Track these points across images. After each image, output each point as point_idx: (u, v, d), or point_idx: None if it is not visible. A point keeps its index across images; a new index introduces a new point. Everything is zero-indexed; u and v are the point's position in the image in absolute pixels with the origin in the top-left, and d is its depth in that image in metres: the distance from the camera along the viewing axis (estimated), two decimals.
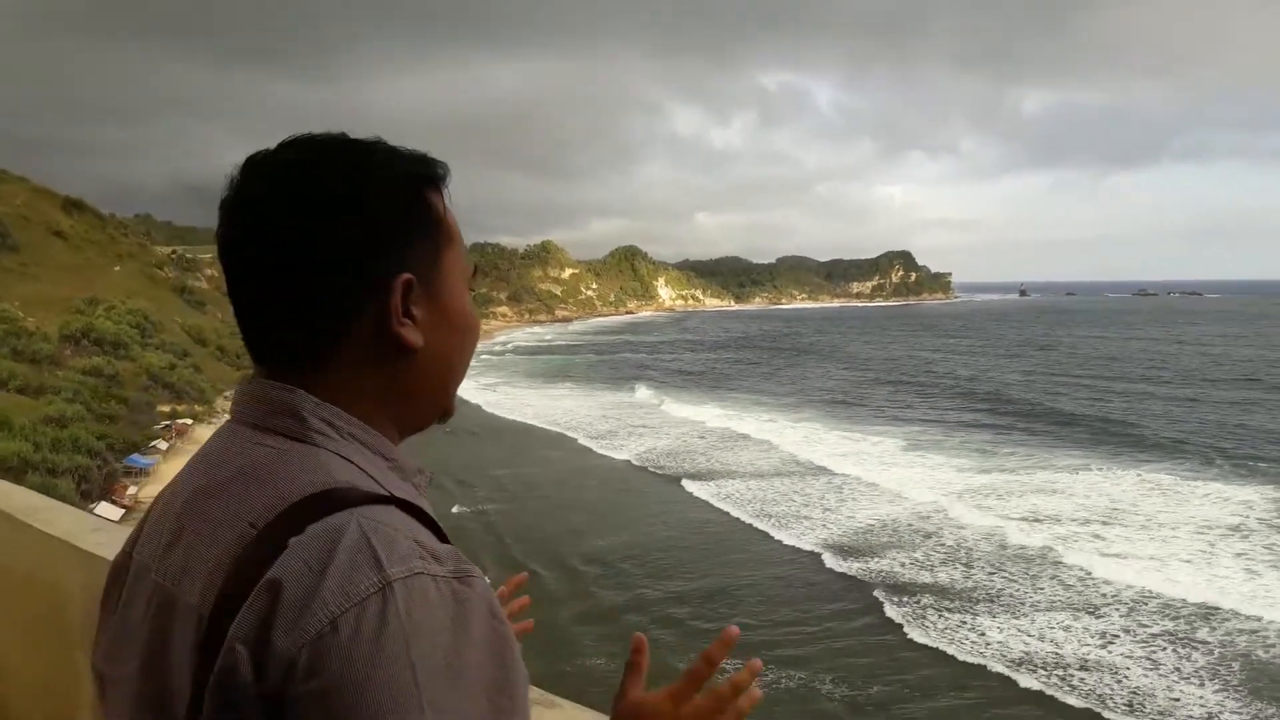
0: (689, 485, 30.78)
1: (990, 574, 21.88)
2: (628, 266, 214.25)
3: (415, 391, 0.82)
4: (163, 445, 40.60)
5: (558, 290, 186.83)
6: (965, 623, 19.02)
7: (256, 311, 0.78)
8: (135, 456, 34.55)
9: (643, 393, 56.26)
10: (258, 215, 0.77)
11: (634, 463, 34.90)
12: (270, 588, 0.64)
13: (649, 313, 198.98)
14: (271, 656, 0.62)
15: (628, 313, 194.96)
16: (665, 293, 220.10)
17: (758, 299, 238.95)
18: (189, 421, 47.01)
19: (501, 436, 41.49)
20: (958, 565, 22.60)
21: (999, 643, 18.00)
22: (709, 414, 46.35)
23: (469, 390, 59.83)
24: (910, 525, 26.00)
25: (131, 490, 32.20)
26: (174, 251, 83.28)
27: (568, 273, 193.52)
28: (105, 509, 27.80)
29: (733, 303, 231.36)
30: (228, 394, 62.32)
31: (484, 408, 50.95)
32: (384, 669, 0.61)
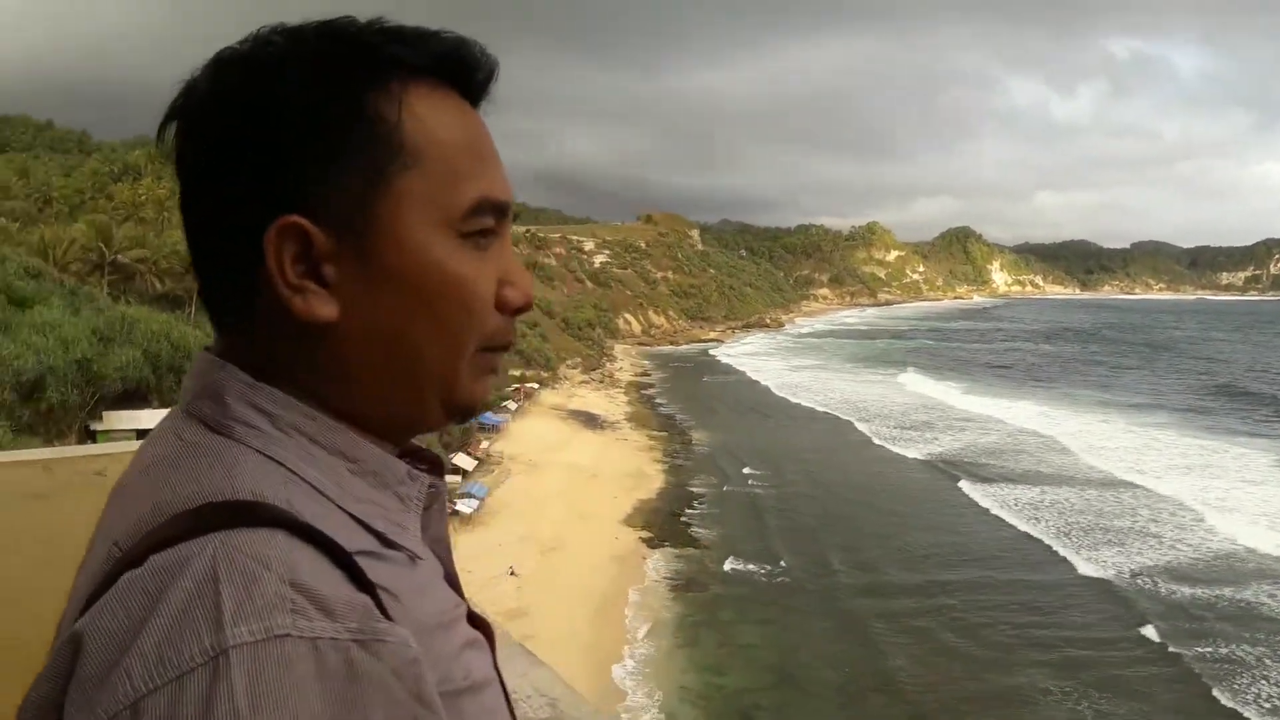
0: (970, 487, 29.63)
1: None
2: (959, 249, 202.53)
3: (358, 379, 0.57)
4: (512, 406, 47.81)
5: (881, 273, 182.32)
6: None
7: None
8: (488, 415, 41.31)
9: (946, 385, 54.56)
10: (178, 131, 0.58)
11: (920, 459, 34.06)
12: (71, 644, 0.45)
13: (981, 298, 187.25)
14: None
15: (956, 298, 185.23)
16: (999, 277, 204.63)
17: (1107, 287, 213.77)
18: (535, 385, 54.56)
19: (792, 420, 42.57)
20: None
21: None
22: (1025, 413, 43.31)
23: (769, 370, 61.44)
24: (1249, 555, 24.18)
25: (484, 445, 38.93)
26: (527, 230, 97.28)
27: (893, 255, 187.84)
28: (461, 459, 34.26)
29: (1078, 290, 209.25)
30: (571, 362, 70.66)
31: (774, 390, 51.43)
32: None
